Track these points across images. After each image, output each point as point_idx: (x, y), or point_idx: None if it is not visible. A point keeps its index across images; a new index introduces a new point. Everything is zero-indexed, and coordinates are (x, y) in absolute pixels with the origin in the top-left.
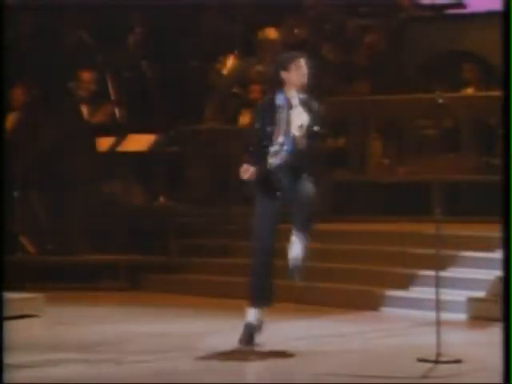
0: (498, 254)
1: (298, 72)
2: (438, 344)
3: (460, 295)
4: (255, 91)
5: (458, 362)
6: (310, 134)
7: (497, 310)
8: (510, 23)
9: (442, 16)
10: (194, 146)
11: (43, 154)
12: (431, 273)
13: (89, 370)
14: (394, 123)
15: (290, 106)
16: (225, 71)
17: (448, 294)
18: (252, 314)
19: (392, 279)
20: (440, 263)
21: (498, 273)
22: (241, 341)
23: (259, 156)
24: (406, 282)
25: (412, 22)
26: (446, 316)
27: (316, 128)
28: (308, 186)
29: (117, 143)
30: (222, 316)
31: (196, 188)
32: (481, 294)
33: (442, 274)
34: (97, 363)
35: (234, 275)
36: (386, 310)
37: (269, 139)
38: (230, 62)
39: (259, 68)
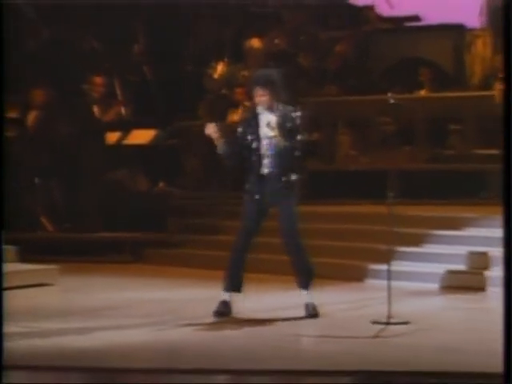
0: (463, 232)
1: (257, 97)
2: (389, 308)
3: (431, 267)
4: (241, 93)
5: (406, 323)
6: (286, 134)
7: (464, 280)
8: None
9: (401, 28)
10: (189, 140)
11: (61, 146)
12: (405, 249)
13: (92, 333)
14: (359, 120)
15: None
16: (215, 75)
17: (420, 267)
18: (226, 295)
19: (372, 254)
20: (413, 240)
21: (463, 248)
22: (216, 312)
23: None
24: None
25: (376, 33)
26: (420, 285)
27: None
28: (291, 207)
29: (123, 137)
30: (212, 285)
31: (191, 175)
32: (449, 266)
33: (416, 249)
34: (100, 326)
35: (223, 250)
36: (370, 282)
37: (249, 147)
38: (220, 67)
39: (245, 73)
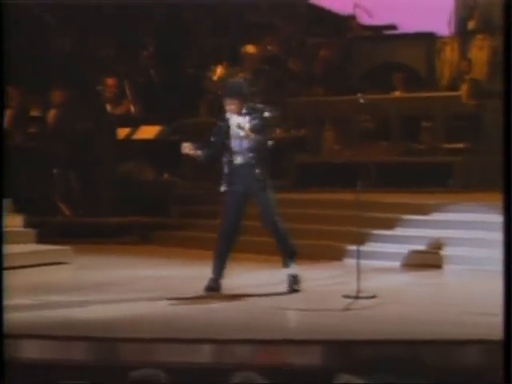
0: (430, 217)
1: (227, 106)
2: (359, 284)
3: (399, 248)
4: None
5: (373, 297)
6: (255, 131)
7: (424, 259)
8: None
9: (379, 35)
10: (191, 135)
11: (77, 140)
12: (378, 231)
13: (96, 305)
14: (342, 118)
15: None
16: (214, 77)
17: (392, 248)
18: (214, 271)
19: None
20: (387, 224)
21: (429, 231)
22: (206, 288)
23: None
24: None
25: (357, 40)
26: (389, 264)
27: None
28: (267, 197)
29: (132, 132)
30: (208, 264)
31: (191, 167)
32: (417, 247)
33: (389, 232)
34: (105, 299)
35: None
36: (348, 261)
37: (224, 147)
38: (219, 70)
39: (241, 75)
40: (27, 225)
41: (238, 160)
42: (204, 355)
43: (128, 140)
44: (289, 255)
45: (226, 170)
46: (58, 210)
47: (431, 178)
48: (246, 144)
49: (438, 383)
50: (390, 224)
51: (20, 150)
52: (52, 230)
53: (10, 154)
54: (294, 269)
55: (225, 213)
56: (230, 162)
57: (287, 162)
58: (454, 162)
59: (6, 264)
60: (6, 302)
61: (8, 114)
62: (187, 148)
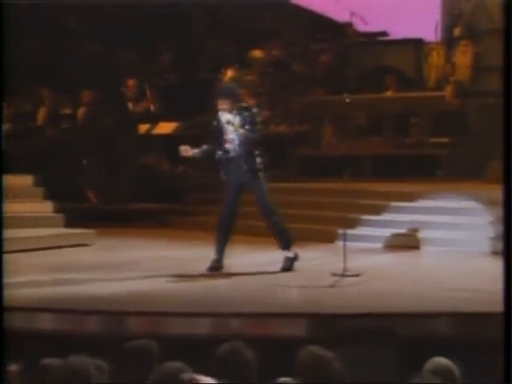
0: (415, 203)
1: (219, 106)
2: (345, 263)
3: (386, 232)
4: (245, 94)
5: (357, 275)
6: (245, 127)
7: (404, 241)
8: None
9: (373, 41)
10: (205, 130)
11: (103, 135)
12: (368, 217)
13: (111, 282)
14: (339, 115)
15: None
16: (225, 79)
17: (378, 231)
18: (216, 253)
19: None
20: (376, 210)
21: (413, 216)
22: (209, 268)
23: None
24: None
25: (353, 46)
26: (374, 245)
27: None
28: (261, 187)
29: (151, 128)
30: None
31: (204, 159)
32: (400, 230)
33: (377, 217)
34: (120, 277)
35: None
36: (339, 243)
37: (219, 143)
38: (229, 73)
39: (249, 77)
40: (56, 211)
41: (231, 153)
42: (198, 327)
43: (148, 135)
44: (286, 241)
45: (221, 162)
46: (85, 197)
47: (419, 169)
48: (236, 139)
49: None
50: (378, 210)
51: (52, 143)
52: (79, 216)
53: (44, 147)
54: (290, 252)
55: (224, 201)
56: (224, 155)
57: (291, 153)
58: (439, 154)
59: (35, 246)
60: (33, 278)
61: (42, 112)
62: (184, 151)
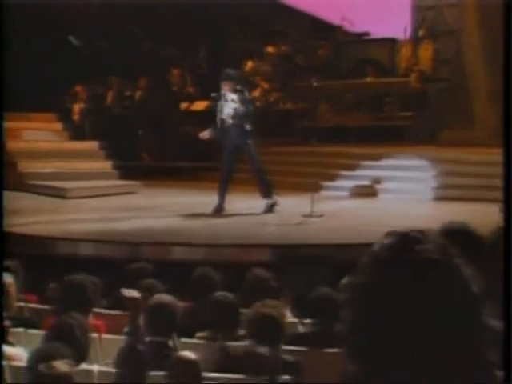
0: (379, 162)
1: (224, 86)
2: (312, 206)
3: (353, 184)
4: (260, 79)
5: (321, 216)
6: (242, 104)
7: (365, 190)
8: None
9: (359, 39)
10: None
11: (155, 111)
12: (343, 172)
13: (140, 220)
14: (332, 96)
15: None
16: (246, 69)
17: (348, 183)
18: (218, 199)
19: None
20: (350, 167)
21: (376, 172)
22: (213, 210)
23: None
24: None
25: (344, 43)
26: (342, 194)
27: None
28: (250, 148)
29: (190, 105)
30: (231, 195)
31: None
32: (363, 182)
33: (349, 173)
34: (147, 216)
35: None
36: (323, 192)
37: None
38: (249, 64)
39: (264, 68)
40: (114, 167)
41: (230, 122)
42: (194, 254)
43: (187, 110)
44: (268, 191)
45: (220, 130)
46: (140, 157)
47: (390, 136)
48: (234, 112)
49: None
50: (352, 167)
51: (117, 117)
52: (135, 171)
53: (112, 120)
54: (271, 200)
55: (223, 160)
56: (224, 124)
57: (295, 125)
58: (405, 125)
59: (97, 193)
60: (92, 216)
61: (110, 94)
62: (203, 135)
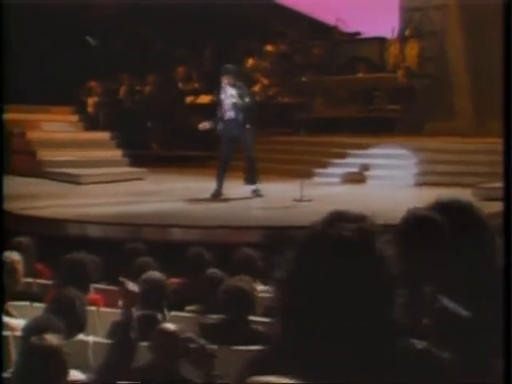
0: (368, 151)
1: (224, 80)
2: (301, 191)
3: (342, 171)
4: (260, 76)
5: (310, 200)
6: (241, 98)
7: (354, 177)
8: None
9: (351, 38)
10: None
11: (163, 105)
12: (333, 160)
13: (144, 203)
14: (327, 89)
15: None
16: (248, 66)
17: (338, 170)
18: (216, 185)
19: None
20: (340, 156)
21: (364, 159)
22: (211, 195)
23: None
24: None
25: (338, 42)
26: (332, 180)
27: (247, 99)
28: (247, 140)
29: (195, 99)
30: (234, 181)
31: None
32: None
33: (339, 161)
34: (152, 200)
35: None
36: (315, 178)
37: (221, 108)
38: (250, 61)
39: (264, 65)
40: (124, 156)
41: (230, 115)
42: (177, 235)
43: (193, 104)
44: (254, 177)
45: (220, 121)
46: (149, 146)
47: (379, 127)
48: (233, 105)
49: None
50: (342, 155)
51: (129, 110)
52: (144, 159)
53: (124, 113)
54: (254, 186)
55: (222, 149)
56: (224, 116)
57: (293, 117)
58: (393, 117)
59: (107, 179)
60: (102, 201)
61: (123, 89)
62: (203, 126)
